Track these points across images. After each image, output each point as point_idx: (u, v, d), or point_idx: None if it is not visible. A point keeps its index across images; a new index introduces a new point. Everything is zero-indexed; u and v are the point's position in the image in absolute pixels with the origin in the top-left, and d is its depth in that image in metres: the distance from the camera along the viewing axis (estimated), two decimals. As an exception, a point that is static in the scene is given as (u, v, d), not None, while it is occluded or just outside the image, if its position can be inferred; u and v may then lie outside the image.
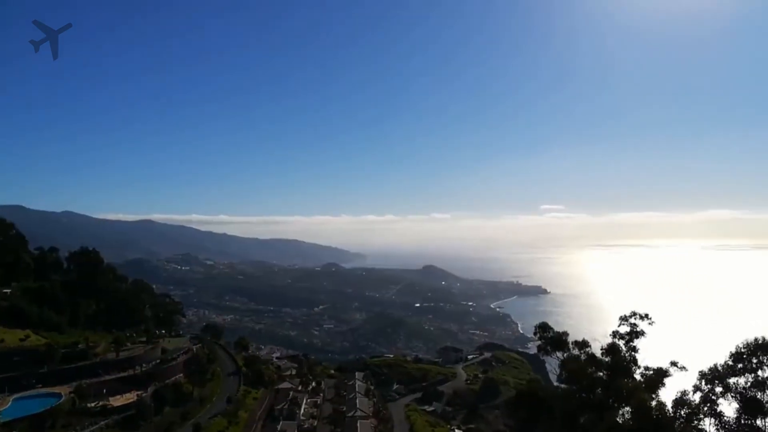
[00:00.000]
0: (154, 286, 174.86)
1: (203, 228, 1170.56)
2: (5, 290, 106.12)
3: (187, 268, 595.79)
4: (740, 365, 33.78)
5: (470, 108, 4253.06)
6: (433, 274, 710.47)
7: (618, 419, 34.68)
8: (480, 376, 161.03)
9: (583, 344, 38.31)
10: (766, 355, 33.25)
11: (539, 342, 39.79)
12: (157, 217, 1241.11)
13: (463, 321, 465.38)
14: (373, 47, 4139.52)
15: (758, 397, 32.83)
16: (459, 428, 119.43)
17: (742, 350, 33.98)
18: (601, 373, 36.79)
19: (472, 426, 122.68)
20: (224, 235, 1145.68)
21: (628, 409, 34.64)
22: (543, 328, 39.72)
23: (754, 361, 33.43)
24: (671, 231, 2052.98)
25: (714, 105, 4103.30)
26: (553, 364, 41.48)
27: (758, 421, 32.47)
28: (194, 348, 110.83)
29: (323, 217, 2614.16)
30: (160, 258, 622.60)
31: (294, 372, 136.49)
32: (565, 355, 38.23)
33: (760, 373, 33.21)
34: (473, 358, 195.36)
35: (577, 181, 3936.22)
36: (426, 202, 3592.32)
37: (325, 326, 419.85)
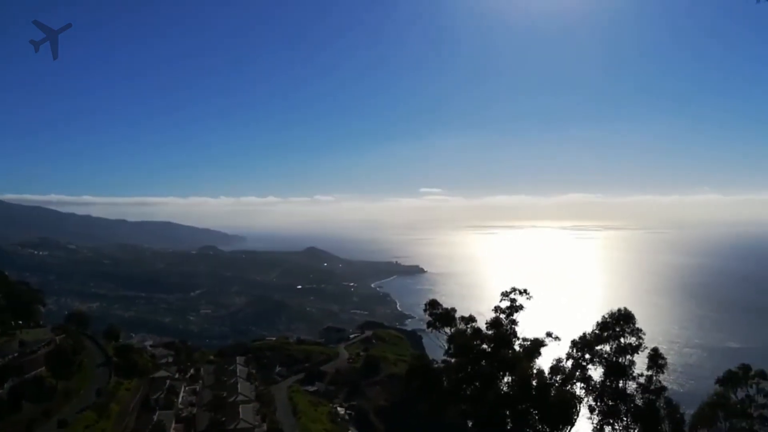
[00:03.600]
0: (6, 273, 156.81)
1: (63, 209, 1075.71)
2: None
3: (46, 252, 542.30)
4: (605, 333, 37.50)
5: (353, 93, 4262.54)
6: (316, 256, 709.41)
7: (503, 387, 37.13)
8: (361, 354, 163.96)
9: (470, 319, 40.16)
10: (626, 324, 37.17)
11: (429, 318, 40.98)
12: (9, 197, 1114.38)
13: (345, 301, 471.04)
14: (260, 26, 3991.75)
15: (620, 361, 36.76)
16: (341, 406, 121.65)
17: (608, 320, 37.66)
18: (485, 346, 38.96)
19: (354, 403, 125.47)
20: (88, 216, 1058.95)
21: (510, 378, 37.29)
22: (432, 305, 41.01)
23: (617, 329, 37.25)
24: (537, 213, 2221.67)
25: (572, 102, 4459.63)
26: (434, 339, 42.92)
27: (620, 383, 36.42)
28: (57, 339, 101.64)
29: (200, 198, 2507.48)
30: (13, 242, 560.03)
31: (171, 360, 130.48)
32: (452, 330, 39.90)
33: (622, 340, 37.11)
34: (355, 337, 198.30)
35: (454, 165, 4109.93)
36: (309, 184, 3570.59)
37: (202, 311, 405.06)
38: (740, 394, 39.70)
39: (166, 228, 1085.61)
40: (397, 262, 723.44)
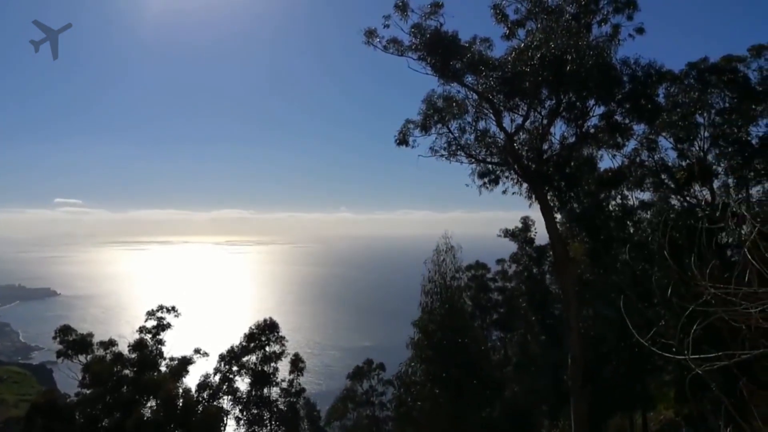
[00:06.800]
0: None
1: None
2: None
3: None
4: (252, 344, 39.27)
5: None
6: None
7: (146, 413, 34.91)
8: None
9: (109, 344, 36.68)
10: (272, 333, 39.78)
11: (60, 347, 36.08)
12: None
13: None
14: None
15: (265, 369, 38.90)
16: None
17: (254, 330, 39.61)
18: (127, 371, 36.21)
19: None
20: None
21: (155, 402, 35.41)
22: (64, 331, 36.22)
23: (263, 339, 39.48)
24: (190, 228, 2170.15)
25: (222, 120, 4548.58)
26: (66, 371, 38.29)
27: (265, 390, 38.47)
28: None
29: None
30: None
31: None
32: (89, 358, 35.93)
33: (267, 349, 39.42)
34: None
35: (95, 174, 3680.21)
36: None
37: None
38: (366, 385, 47.12)
39: None
40: (20, 285, 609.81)
